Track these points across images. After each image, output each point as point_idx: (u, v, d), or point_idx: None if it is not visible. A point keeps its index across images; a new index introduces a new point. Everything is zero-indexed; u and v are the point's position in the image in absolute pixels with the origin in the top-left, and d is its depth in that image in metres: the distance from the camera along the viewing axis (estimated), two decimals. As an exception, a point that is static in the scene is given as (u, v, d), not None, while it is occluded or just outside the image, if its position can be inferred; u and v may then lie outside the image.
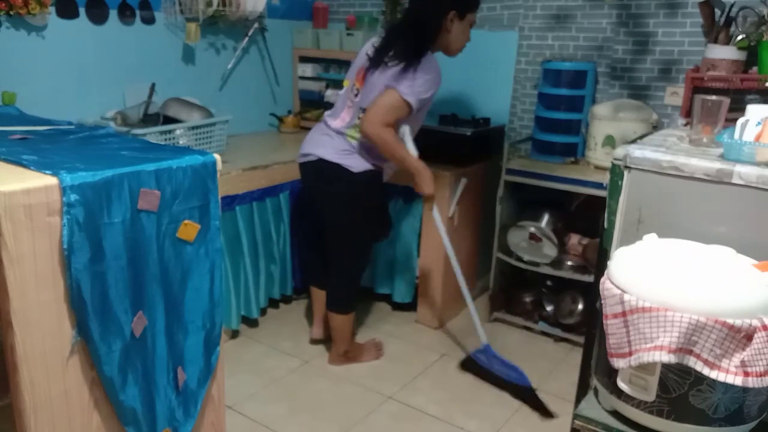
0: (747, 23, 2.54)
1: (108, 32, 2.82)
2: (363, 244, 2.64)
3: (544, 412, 2.42)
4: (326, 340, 2.87)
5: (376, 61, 2.38)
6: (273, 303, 3.19)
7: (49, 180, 1.20)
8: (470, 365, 2.68)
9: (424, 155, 2.46)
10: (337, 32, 3.60)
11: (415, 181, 2.47)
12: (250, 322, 3.01)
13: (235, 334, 2.91)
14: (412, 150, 2.44)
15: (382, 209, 2.74)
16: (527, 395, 2.48)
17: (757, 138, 1.48)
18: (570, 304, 2.95)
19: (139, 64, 2.97)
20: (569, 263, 2.95)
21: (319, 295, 2.84)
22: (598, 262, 1.68)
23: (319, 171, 2.50)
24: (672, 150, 1.56)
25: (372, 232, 2.66)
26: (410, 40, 2.35)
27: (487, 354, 2.64)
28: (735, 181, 1.40)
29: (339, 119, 2.51)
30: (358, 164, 2.45)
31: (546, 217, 2.96)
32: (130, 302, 1.35)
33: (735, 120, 1.57)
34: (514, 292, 3.15)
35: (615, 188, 1.58)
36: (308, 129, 2.70)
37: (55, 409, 1.31)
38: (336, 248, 2.63)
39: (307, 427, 2.33)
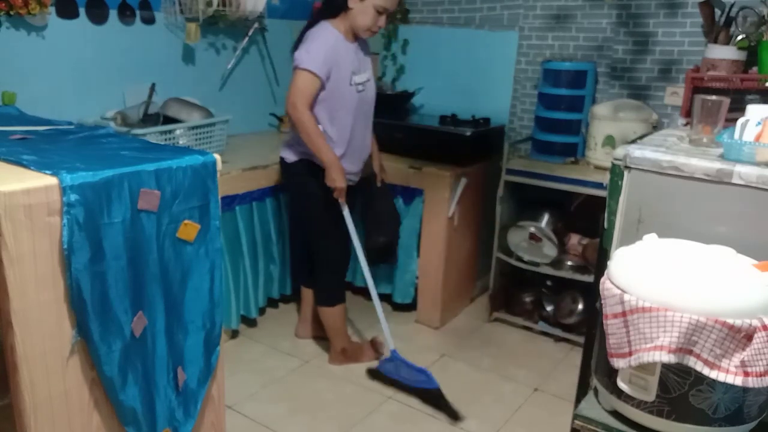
0: (747, 23, 2.54)
1: (108, 32, 2.82)
2: (325, 236, 2.56)
3: (451, 413, 2.37)
4: (312, 338, 2.91)
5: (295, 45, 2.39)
6: (272, 303, 3.19)
7: (49, 180, 1.20)
8: (376, 375, 2.61)
9: (424, 155, 2.46)
10: (337, 32, 3.59)
11: (327, 174, 2.37)
12: (250, 322, 3.01)
13: (234, 334, 2.91)
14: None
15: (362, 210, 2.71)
16: (434, 397, 2.42)
17: (757, 138, 1.48)
18: (570, 304, 2.95)
19: (139, 64, 2.96)
20: (569, 263, 2.95)
21: (306, 294, 2.87)
22: (598, 262, 1.68)
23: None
24: (672, 150, 1.56)
25: (334, 227, 2.54)
26: (313, 16, 2.39)
27: (394, 360, 2.56)
28: (735, 181, 1.40)
29: None
30: (291, 155, 2.48)
31: (546, 217, 2.96)
32: (130, 302, 1.35)
33: (735, 120, 1.57)
34: (514, 292, 3.15)
35: (615, 188, 1.58)
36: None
37: (55, 409, 1.31)
38: (309, 244, 2.65)
39: (307, 427, 2.33)
